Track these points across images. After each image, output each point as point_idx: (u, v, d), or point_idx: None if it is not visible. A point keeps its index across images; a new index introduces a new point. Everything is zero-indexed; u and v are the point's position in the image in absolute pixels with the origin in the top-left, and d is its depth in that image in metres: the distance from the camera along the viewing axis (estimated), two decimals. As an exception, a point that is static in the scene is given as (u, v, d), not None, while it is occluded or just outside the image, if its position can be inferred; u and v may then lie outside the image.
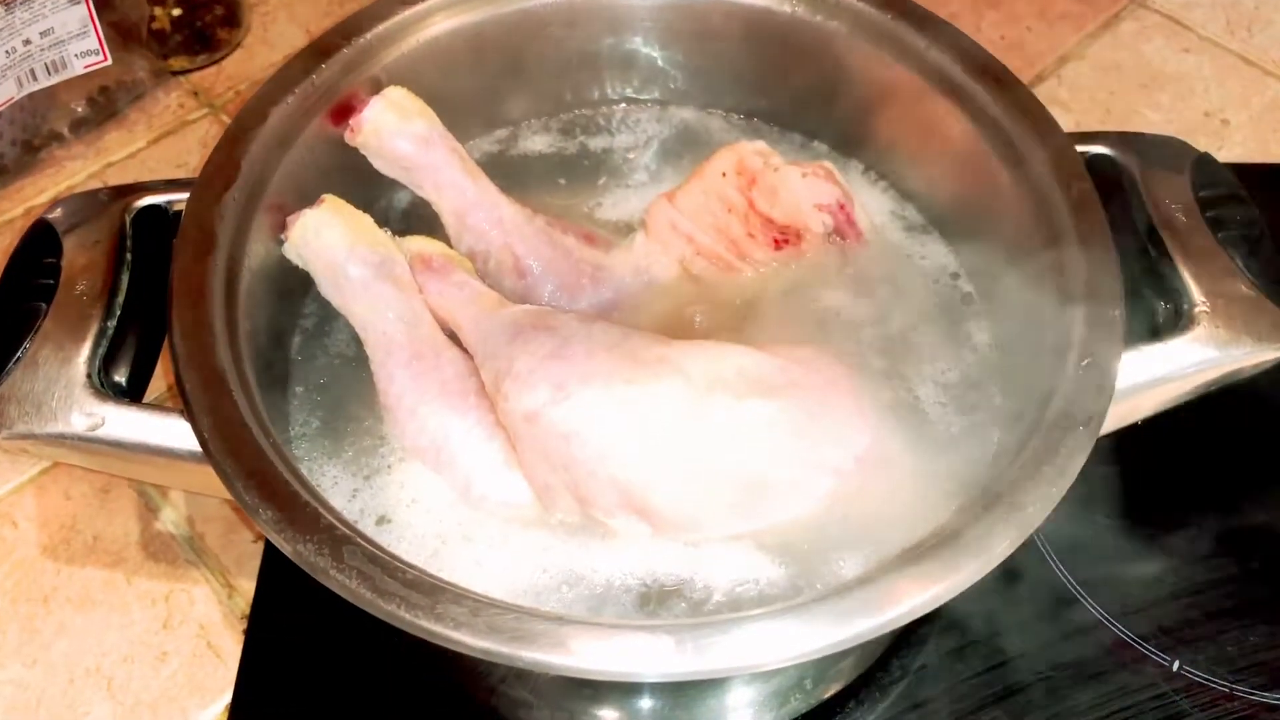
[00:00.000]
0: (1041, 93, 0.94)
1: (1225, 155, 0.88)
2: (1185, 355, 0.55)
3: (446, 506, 0.58)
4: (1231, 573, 0.67)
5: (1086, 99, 0.93)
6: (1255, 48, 0.96)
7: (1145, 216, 0.60)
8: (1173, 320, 0.57)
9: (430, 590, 0.46)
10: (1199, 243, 0.59)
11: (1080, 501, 0.63)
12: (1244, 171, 0.84)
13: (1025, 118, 0.61)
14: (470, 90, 0.72)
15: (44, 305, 0.57)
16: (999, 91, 0.62)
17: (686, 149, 0.75)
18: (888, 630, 0.45)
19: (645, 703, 0.57)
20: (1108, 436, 0.57)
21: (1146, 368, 0.55)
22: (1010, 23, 1.00)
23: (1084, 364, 0.52)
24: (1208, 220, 0.59)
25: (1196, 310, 0.56)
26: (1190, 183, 0.61)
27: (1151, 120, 0.92)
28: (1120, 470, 0.68)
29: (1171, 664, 0.64)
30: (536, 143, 0.75)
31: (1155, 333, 0.56)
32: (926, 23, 0.65)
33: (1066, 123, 0.91)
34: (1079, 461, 0.49)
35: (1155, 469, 0.70)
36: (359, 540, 0.48)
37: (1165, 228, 0.59)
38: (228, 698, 0.64)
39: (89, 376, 0.55)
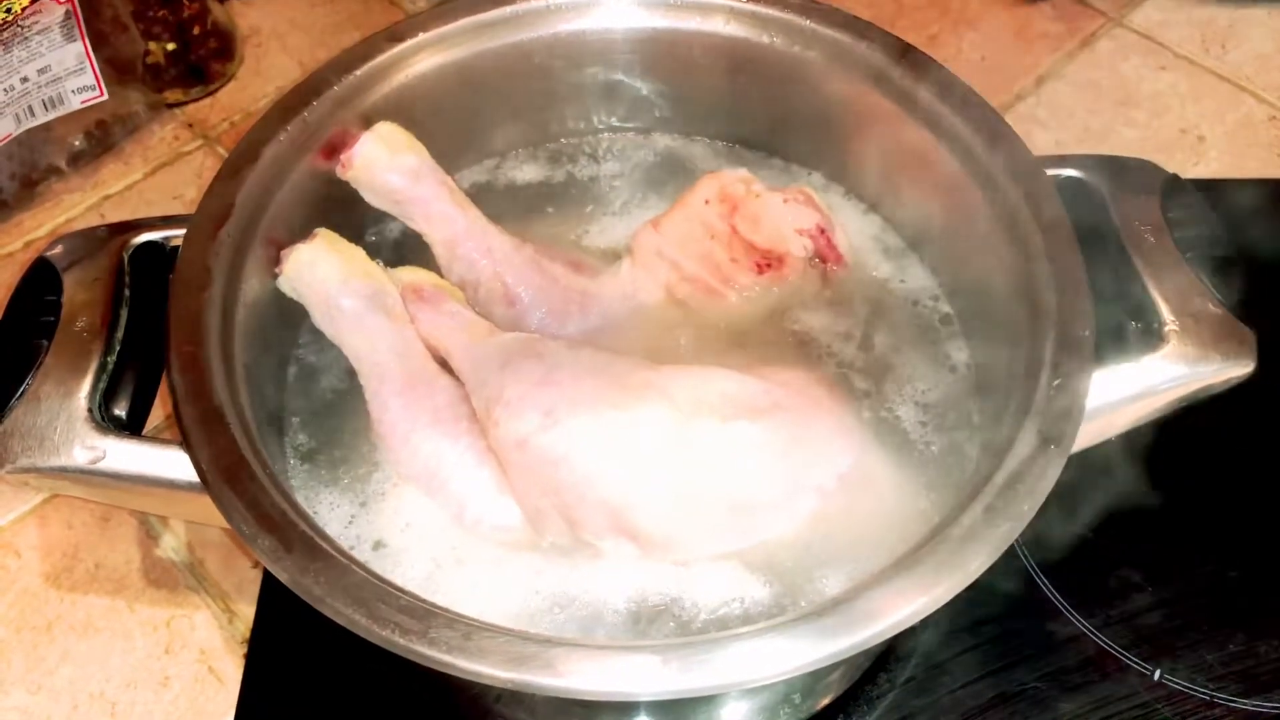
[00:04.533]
0: (1021, 111, 0.95)
1: (1201, 171, 0.90)
2: (1156, 373, 0.56)
3: (440, 531, 0.59)
4: (1210, 583, 0.68)
5: (1065, 117, 0.94)
6: (1229, 64, 0.98)
7: (1115, 237, 0.61)
8: (1143, 339, 0.57)
9: (423, 615, 0.47)
10: (1168, 262, 0.59)
11: (1062, 515, 0.65)
12: (1219, 186, 0.86)
13: (997, 142, 0.62)
14: (459, 122, 0.73)
15: (45, 342, 0.58)
16: (971, 116, 0.63)
17: (670, 176, 0.75)
18: (863, 649, 0.46)
19: (639, 720, 0.58)
20: (1087, 451, 0.59)
21: (1118, 386, 0.56)
22: (990, 43, 1.01)
23: (1055, 384, 0.53)
24: (1176, 240, 0.60)
25: (1166, 329, 0.57)
26: (1159, 204, 0.62)
27: (1128, 137, 0.93)
28: (1102, 483, 0.69)
29: (1153, 673, 0.65)
30: (524, 172, 0.76)
31: (1127, 351, 0.57)
32: (900, 50, 0.66)
33: (1046, 141, 0.93)
34: (1050, 480, 0.50)
35: (1136, 482, 0.71)
36: (354, 567, 0.49)
37: (1135, 248, 0.60)
38: (229, 721, 0.65)
39: (90, 410, 0.56)
